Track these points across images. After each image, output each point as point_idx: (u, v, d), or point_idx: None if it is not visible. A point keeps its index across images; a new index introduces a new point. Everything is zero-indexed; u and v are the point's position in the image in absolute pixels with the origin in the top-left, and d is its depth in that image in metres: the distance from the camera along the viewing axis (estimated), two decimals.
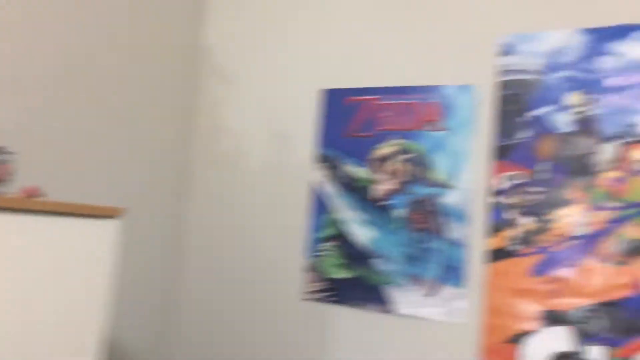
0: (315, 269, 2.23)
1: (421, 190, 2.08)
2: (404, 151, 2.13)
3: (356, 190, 2.19)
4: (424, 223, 2.06)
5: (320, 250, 2.23)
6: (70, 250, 1.43)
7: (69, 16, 2.02)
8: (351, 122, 2.23)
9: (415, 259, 2.06)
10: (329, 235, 2.22)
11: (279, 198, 2.36)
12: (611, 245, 1.78)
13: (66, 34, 2.01)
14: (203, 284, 2.47)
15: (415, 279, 2.05)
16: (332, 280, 2.20)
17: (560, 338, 1.81)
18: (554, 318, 1.82)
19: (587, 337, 1.77)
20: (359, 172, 2.19)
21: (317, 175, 2.27)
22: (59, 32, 1.99)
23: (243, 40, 2.53)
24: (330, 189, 2.24)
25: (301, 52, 2.38)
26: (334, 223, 2.22)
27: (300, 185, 2.31)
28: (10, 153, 1.43)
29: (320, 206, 2.25)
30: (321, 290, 2.21)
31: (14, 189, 1.47)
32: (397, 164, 2.13)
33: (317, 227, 2.25)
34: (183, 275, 2.52)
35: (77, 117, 2.07)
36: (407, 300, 2.06)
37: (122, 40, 2.23)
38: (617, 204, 1.78)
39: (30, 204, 1.34)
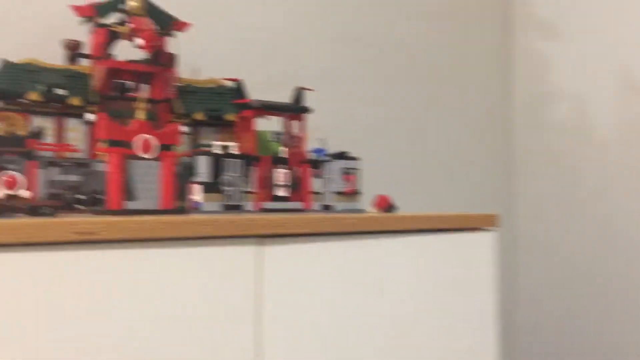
0: None
1: None
2: None
3: None
4: None
5: None
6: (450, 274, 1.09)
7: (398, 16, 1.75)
8: None
9: None
10: None
11: None
12: None
13: (402, 30, 1.74)
14: (545, 288, 2.00)
15: None
16: None
17: None
18: None
19: None
20: None
21: None
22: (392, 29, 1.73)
23: None
24: None
25: None
26: None
27: None
28: (354, 159, 1.15)
29: None
30: None
31: (359, 204, 1.18)
32: None
33: None
34: (520, 279, 2.08)
35: (399, 111, 1.79)
36: None
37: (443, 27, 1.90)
38: None
39: (397, 222, 1.02)
